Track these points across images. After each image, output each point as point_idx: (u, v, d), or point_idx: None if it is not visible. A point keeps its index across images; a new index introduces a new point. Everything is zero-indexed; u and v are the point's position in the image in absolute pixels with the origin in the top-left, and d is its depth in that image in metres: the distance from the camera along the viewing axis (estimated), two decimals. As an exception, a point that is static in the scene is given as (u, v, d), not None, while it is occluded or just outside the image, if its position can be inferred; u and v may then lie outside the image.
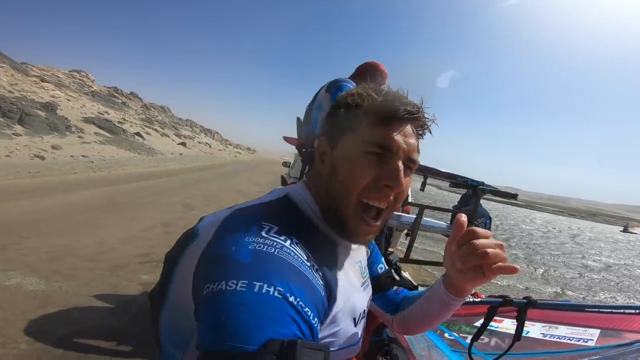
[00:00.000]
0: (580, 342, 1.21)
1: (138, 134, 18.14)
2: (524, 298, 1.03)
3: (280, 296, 0.39)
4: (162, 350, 0.56)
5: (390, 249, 4.06)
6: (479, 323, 1.31)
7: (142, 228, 4.15)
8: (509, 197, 2.36)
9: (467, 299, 1.13)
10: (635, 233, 30.36)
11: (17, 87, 16.40)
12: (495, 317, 1.32)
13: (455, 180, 2.25)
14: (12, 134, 9.69)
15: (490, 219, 2.55)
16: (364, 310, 0.59)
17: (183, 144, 23.03)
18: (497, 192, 2.31)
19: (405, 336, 1.23)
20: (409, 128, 0.54)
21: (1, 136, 9.02)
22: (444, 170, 2.21)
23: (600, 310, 1.37)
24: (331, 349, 0.50)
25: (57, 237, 3.31)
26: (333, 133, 0.56)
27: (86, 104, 20.95)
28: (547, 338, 1.27)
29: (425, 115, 0.55)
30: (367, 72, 2.18)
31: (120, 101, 29.87)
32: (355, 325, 0.55)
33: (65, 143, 10.54)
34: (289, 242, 0.46)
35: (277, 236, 0.46)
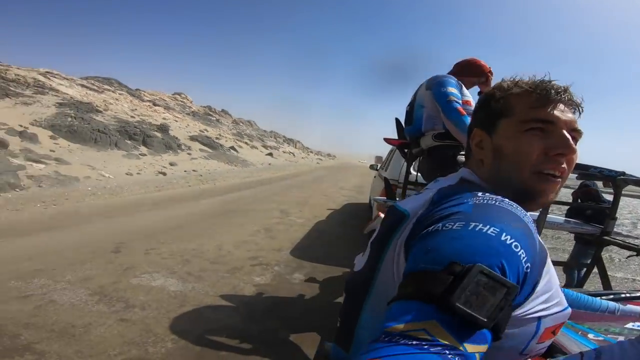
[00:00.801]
0: None
1: (232, 147, 20.20)
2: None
3: (493, 234, 0.41)
4: (356, 338, 0.62)
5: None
6: (631, 325, 1.12)
7: (249, 233, 4.60)
8: None
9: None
10: None
11: (136, 112, 19.81)
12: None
13: (587, 172, 1.97)
14: (139, 154, 11.72)
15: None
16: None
17: (270, 154, 24.83)
18: None
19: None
20: (562, 105, 0.57)
21: (132, 157, 10.99)
22: (578, 162, 1.93)
23: None
24: (548, 312, 0.50)
25: (186, 242, 3.88)
26: (487, 122, 0.62)
27: (189, 123, 24.21)
28: None
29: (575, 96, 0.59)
30: (468, 69, 2.11)
31: (214, 118, 33.75)
32: (560, 293, 0.56)
33: (178, 160, 12.33)
34: (507, 199, 0.50)
35: (495, 196, 0.50)
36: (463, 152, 1.99)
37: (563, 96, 0.57)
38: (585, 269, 2.46)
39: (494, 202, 0.48)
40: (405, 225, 0.56)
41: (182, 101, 34.82)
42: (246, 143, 25.58)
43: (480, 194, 0.51)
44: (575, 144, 0.57)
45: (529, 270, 0.42)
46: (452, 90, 1.92)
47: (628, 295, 0.98)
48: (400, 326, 0.35)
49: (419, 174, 2.42)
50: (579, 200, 3.65)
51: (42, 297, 2.34)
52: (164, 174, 9.59)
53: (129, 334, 2.01)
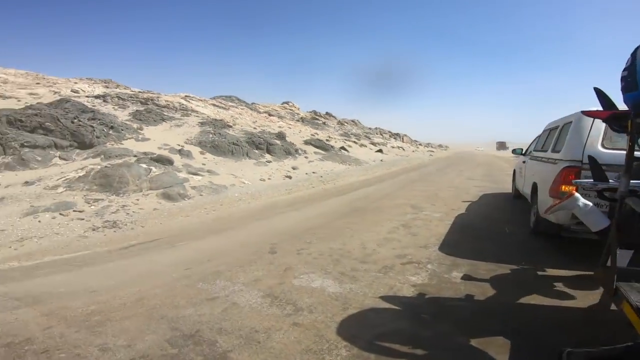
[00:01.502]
0: None
1: (343, 147, 20.69)
2: None
3: None
4: None
5: None
6: None
7: (388, 230, 4.47)
8: None
9: None
10: None
11: (257, 123, 22.16)
12: None
13: None
14: (266, 161, 12.99)
15: None
16: None
17: (380, 150, 24.53)
18: None
19: None
20: None
21: (260, 164, 12.25)
22: None
23: None
24: None
25: (329, 242, 3.98)
26: None
27: (301, 129, 25.90)
28: None
29: None
30: None
31: (320, 122, 35.31)
32: None
33: (298, 164, 13.22)
34: None
35: None
36: None
37: None
38: None
39: None
40: None
41: (290, 109, 37.60)
42: (354, 142, 25.91)
43: None
44: None
45: None
46: None
47: None
48: None
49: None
50: None
51: (226, 299, 2.60)
52: (290, 177, 10.36)
53: (304, 340, 2.05)
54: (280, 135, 17.61)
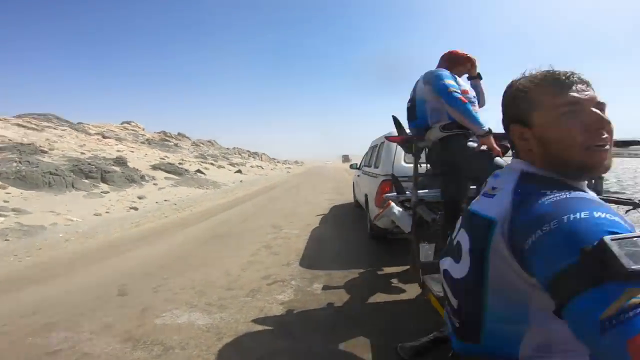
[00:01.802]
0: None
1: (199, 170, 19.63)
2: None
3: (587, 216, 0.50)
4: (486, 331, 0.70)
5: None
6: None
7: (251, 253, 4.53)
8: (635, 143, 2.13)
9: None
10: None
11: (85, 147, 18.73)
12: None
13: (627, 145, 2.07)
14: (101, 192, 11.07)
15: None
16: None
17: (239, 171, 24.40)
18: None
19: None
20: (577, 86, 0.66)
21: (94, 196, 10.36)
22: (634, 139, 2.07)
23: None
24: None
25: (191, 274, 3.75)
26: (522, 118, 0.71)
27: (147, 152, 23.25)
28: None
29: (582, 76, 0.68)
30: (455, 60, 2.30)
31: (172, 143, 32.63)
32: None
33: (145, 192, 11.79)
34: (572, 191, 0.59)
35: (564, 193, 0.59)
36: (472, 139, 2.12)
37: (573, 78, 0.66)
38: None
39: (565, 196, 0.58)
40: (495, 230, 0.65)
41: (133, 130, 33.33)
42: (211, 164, 24.97)
43: (548, 192, 0.60)
44: (604, 114, 0.66)
45: (624, 224, 0.51)
46: (450, 82, 2.08)
47: None
48: (612, 307, 0.41)
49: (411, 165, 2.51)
50: None
51: (72, 350, 2.20)
52: (136, 208, 9.13)
53: None
54: (120, 161, 15.41)
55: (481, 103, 2.47)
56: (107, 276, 3.77)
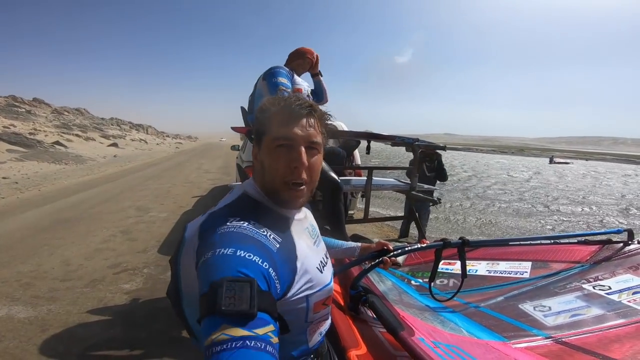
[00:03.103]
0: (517, 275, 1.50)
1: (57, 142, 16.61)
2: (460, 239, 1.32)
3: (231, 253, 0.56)
4: (193, 331, 0.78)
5: (350, 212, 4.53)
6: (439, 268, 1.68)
7: (102, 240, 4.18)
8: (439, 148, 2.85)
9: (415, 246, 1.44)
10: (561, 163, 35.17)
11: None
12: (450, 261, 1.65)
13: (395, 140, 2.69)
14: None
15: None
16: (322, 260, 0.79)
17: (114, 144, 21.49)
18: (430, 145, 2.80)
19: (377, 286, 1.44)
20: (308, 120, 0.72)
21: None
22: (384, 134, 2.63)
23: (522, 243, 1.77)
24: (312, 291, 0.70)
25: (17, 265, 3.30)
26: (256, 138, 0.76)
27: (-17, 118, 18.54)
28: (491, 274, 1.54)
29: (317, 107, 0.75)
30: (298, 57, 2.53)
31: (23, 110, 26.67)
32: (322, 272, 0.75)
33: (-26, 167, 9.51)
34: (246, 224, 0.65)
35: (239, 223, 0.64)
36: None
37: (302, 112, 0.71)
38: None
39: (234, 229, 0.62)
40: (184, 248, 0.69)
41: (-37, 89, 25.96)
42: (77, 135, 21.32)
43: (228, 222, 0.64)
44: (318, 152, 0.74)
45: (269, 268, 0.58)
46: (282, 80, 2.27)
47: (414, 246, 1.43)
48: (210, 338, 0.47)
49: None
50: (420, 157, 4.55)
51: None
52: (-45, 188, 7.33)
53: None
54: (-63, 127, 11.98)
55: (323, 100, 2.75)
56: None
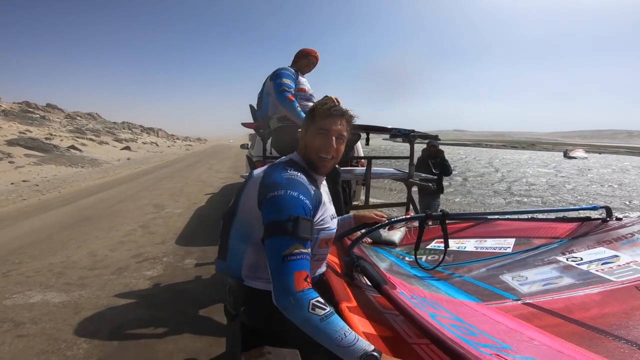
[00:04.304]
0: (501, 250, 1.64)
1: (72, 147, 17.17)
2: (440, 211, 1.48)
3: (297, 196, 0.96)
4: (229, 249, 1.11)
5: (355, 202, 4.72)
6: (431, 246, 1.78)
7: (124, 234, 4.46)
8: (432, 138, 3.02)
9: (402, 217, 1.62)
10: (575, 157, 31.52)
11: None
12: (441, 239, 1.80)
13: (391, 132, 2.88)
14: None
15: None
16: (334, 213, 1.19)
17: (127, 147, 22.05)
18: (424, 136, 2.98)
19: (369, 255, 1.57)
20: (341, 120, 1.12)
21: None
22: (381, 126, 2.82)
23: (500, 217, 1.92)
24: (322, 227, 1.08)
25: (49, 257, 3.58)
26: (305, 126, 1.17)
27: (2, 125, 19.24)
28: (478, 250, 1.69)
29: (349, 112, 1.15)
30: (302, 57, 2.75)
31: (38, 115, 27.52)
32: (331, 219, 1.15)
33: (-3, 171, 9.97)
34: (299, 174, 1.05)
35: (295, 172, 1.05)
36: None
37: (334, 113, 1.11)
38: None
39: (295, 176, 1.02)
40: (250, 182, 1.09)
41: (-19, 98, 26.92)
42: (91, 139, 21.95)
43: (289, 170, 1.04)
44: (343, 142, 1.14)
45: (312, 209, 0.99)
46: (286, 81, 2.49)
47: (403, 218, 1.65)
48: (287, 251, 0.89)
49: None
50: (425, 156, 4.85)
51: None
52: (-19, 191, 7.74)
53: (36, 345, 2.03)
54: (-41, 133, 12.54)
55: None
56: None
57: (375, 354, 0.76)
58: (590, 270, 1.28)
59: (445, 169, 4.80)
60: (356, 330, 0.85)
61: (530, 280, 1.30)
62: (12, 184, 8.89)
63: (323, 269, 1.22)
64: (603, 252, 1.41)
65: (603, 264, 1.31)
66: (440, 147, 4.87)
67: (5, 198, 7.15)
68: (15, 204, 6.66)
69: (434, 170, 4.64)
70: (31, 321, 2.33)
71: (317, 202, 1.04)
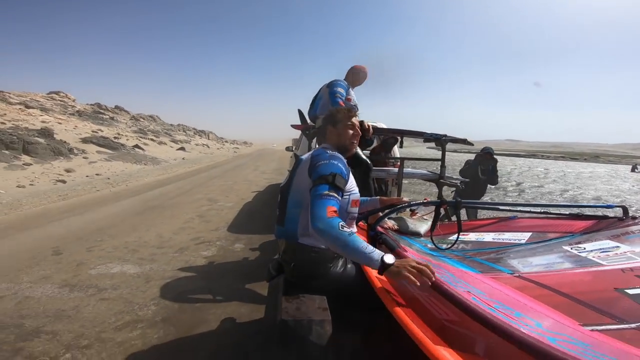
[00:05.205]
0: (516, 241, 1.77)
1: (137, 146, 18.91)
2: (454, 199, 1.71)
3: (336, 162, 1.41)
4: (287, 215, 1.45)
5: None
6: (452, 237, 1.93)
7: (184, 221, 5.01)
8: (464, 142, 3.16)
9: (421, 201, 1.84)
10: None
11: (6, 117, 17.09)
12: (465, 233, 1.96)
13: (423, 136, 3.09)
14: (23, 164, 10.49)
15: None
16: (356, 186, 1.54)
17: (182, 148, 23.79)
18: (454, 140, 3.15)
19: (390, 232, 1.80)
20: (355, 116, 1.64)
21: (15, 168, 9.82)
22: (415, 130, 3.07)
23: (512, 209, 2.02)
24: (351, 192, 1.47)
25: (124, 237, 4.16)
26: (334, 123, 1.61)
27: (77, 124, 21.66)
28: (495, 240, 1.85)
29: (356, 111, 1.69)
30: (352, 72, 3.13)
31: (107, 116, 30.49)
32: (355, 187, 1.52)
33: (75, 165, 11.34)
34: (337, 153, 1.49)
35: (333, 152, 1.49)
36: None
37: (355, 112, 1.65)
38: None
39: (335, 154, 1.46)
40: (301, 163, 1.48)
41: (61, 100, 30.45)
42: (152, 139, 23.98)
43: (329, 152, 1.46)
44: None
45: (345, 172, 1.41)
46: (340, 90, 2.90)
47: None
48: (324, 193, 1.30)
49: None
50: (477, 161, 4.83)
51: (15, 296, 2.60)
52: (63, 181, 8.91)
53: (115, 307, 2.47)
54: (46, 132, 14.41)
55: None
56: (39, 240, 4.03)
57: (390, 256, 1.11)
58: (588, 257, 1.39)
59: (492, 177, 4.81)
60: (375, 284, 1.11)
61: (534, 264, 1.41)
62: (87, 176, 10.10)
63: (354, 229, 1.52)
64: (607, 243, 1.49)
65: (602, 252, 1.41)
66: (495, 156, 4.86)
67: (82, 188, 8.19)
68: (91, 194, 7.61)
69: (480, 176, 4.68)
70: (112, 287, 2.79)
71: (348, 171, 1.43)
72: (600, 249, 1.44)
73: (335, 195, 1.29)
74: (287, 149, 8.26)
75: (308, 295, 1.34)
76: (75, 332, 2.10)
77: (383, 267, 1.09)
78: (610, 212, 1.92)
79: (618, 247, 1.44)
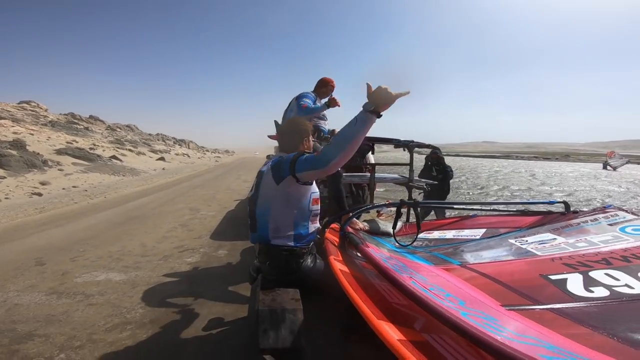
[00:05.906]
0: (471, 237, 1.99)
1: (114, 157, 18.61)
2: (412, 199, 1.97)
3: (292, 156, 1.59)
4: (257, 222, 1.64)
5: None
6: (422, 235, 2.17)
7: (167, 230, 5.11)
8: (428, 147, 3.49)
9: (383, 203, 2.09)
10: (615, 167, 27.03)
11: (-25, 130, 16.56)
12: (429, 231, 2.23)
13: (393, 142, 3.40)
14: (-4, 178, 10.23)
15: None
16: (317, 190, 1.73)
17: (162, 158, 23.51)
18: (420, 145, 3.47)
19: (361, 233, 1.93)
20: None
21: (-13, 182, 9.58)
22: (386, 137, 3.38)
23: (465, 207, 2.31)
24: (314, 190, 1.68)
25: (107, 247, 4.25)
26: (303, 138, 1.81)
27: (51, 135, 21.14)
28: (455, 237, 2.07)
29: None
30: (322, 85, 3.44)
31: (82, 127, 29.82)
32: (316, 187, 1.73)
33: (50, 178, 11.13)
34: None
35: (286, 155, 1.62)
36: (313, 139, 3.14)
37: (310, 125, 1.88)
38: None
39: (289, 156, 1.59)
40: (264, 175, 1.67)
41: (33, 110, 29.61)
42: (130, 150, 23.61)
43: (284, 156, 1.61)
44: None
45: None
46: (307, 100, 3.18)
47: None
48: (301, 158, 1.52)
49: None
50: (429, 163, 5.47)
51: (4, 303, 2.70)
52: (40, 194, 8.78)
53: (103, 311, 2.59)
54: (18, 144, 14.07)
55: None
56: (20, 252, 4.06)
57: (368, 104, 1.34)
58: (528, 249, 1.60)
59: (446, 173, 5.38)
60: (339, 275, 1.28)
61: (484, 257, 1.61)
62: (63, 189, 9.96)
63: (317, 224, 1.74)
64: (547, 236, 1.74)
65: (540, 244, 1.64)
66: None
67: (59, 201, 8.11)
68: (69, 206, 7.56)
69: (436, 175, 5.24)
70: (99, 294, 2.91)
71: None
72: (540, 241, 1.67)
73: (307, 154, 1.52)
74: (269, 157, 8.43)
75: (283, 288, 1.53)
76: (67, 335, 2.23)
77: (373, 111, 1.34)
78: (553, 208, 2.21)
79: (555, 239, 1.67)
